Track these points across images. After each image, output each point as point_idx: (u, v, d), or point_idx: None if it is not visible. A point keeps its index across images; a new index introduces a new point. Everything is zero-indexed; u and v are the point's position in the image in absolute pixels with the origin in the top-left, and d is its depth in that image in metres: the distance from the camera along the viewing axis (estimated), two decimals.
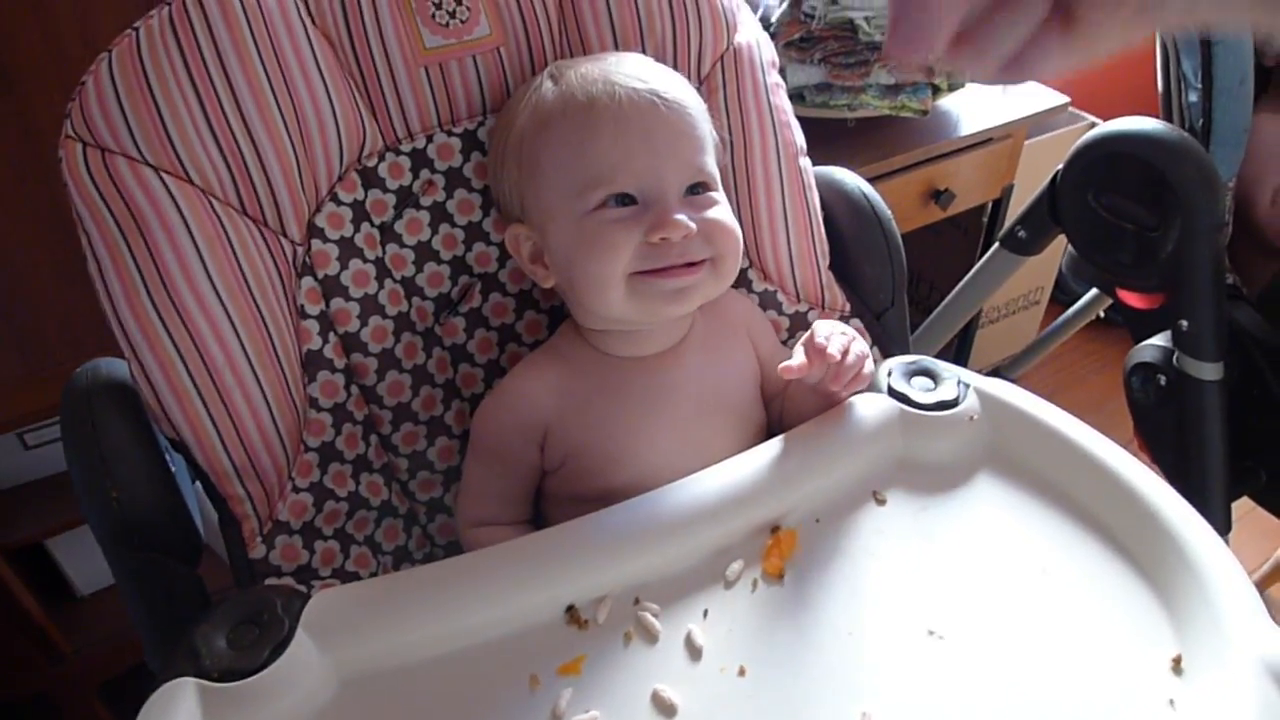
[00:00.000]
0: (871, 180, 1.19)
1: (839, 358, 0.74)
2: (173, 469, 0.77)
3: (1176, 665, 0.61)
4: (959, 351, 1.99)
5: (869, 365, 0.78)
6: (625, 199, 0.75)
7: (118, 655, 1.47)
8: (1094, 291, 1.45)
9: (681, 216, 0.74)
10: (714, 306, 0.82)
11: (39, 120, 1.14)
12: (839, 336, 0.76)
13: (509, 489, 0.82)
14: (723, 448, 0.78)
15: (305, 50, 0.77)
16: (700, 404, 0.82)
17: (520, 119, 0.79)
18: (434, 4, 0.82)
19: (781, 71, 0.95)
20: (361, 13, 0.80)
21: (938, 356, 0.85)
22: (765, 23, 1.51)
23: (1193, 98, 1.11)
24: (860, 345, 0.77)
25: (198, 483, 0.79)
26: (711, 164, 0.79)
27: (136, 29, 0.73)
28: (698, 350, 0.84)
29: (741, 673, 0.62)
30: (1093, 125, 1.88)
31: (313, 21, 0.78)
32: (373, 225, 0.83)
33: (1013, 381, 0.80)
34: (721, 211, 0.78)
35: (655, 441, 0.79)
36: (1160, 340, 1.13)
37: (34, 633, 1.41)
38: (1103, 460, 0.72)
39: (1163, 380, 1.12)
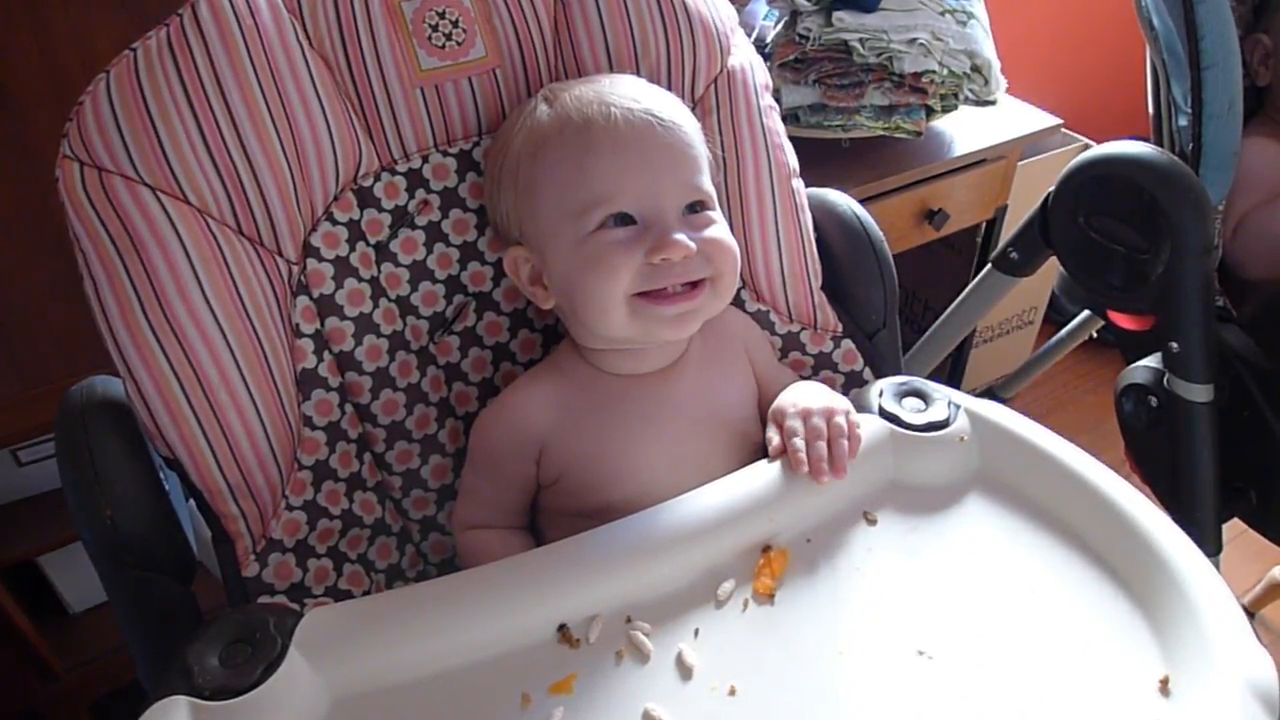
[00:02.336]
0: (866, 200, 1.20)
1: (808, 466, 0.74)
2: (166, 487, 0.78)
3: (1164, 686, 0.61)
4: (952, 371, 1.99)
5: (860, 429, 0.77)
6: (624, 219, 0.75)
7: (109, 673, 1.47)
8: (1087, 312, 1.46)
9: (681, 236, 0.74)
10: (712, 323, 0.83)
11: (36, 139, 1.14)
12: (816, 423, 0.76)
13: (504, 499, 0.83)
14: (719, 464, 0.78)
15: (302, 72, 0.78)
16: (697, 421, 0.82)
17: (516, 142, 0.80)
18: (430, 26, 0.83)
19: (776, 92, 0.96)
20: (358, 35, 0.80)
21: (931, 376, 0.85)
22: (760, 44, 1.52)
23: (1182, 122, 1.12)
24: (841, 417, 0.76)
25: (191, 501, 0.80)
26: (708, 182, 0.80)
27: (134, 50, 0.74)
28: (695, 367, 0.84)
29: (732, 692, 0.62)
30: (1085, 147, 1.89)
31: (310, 43, 0.79)
32: (368, 245, 0.84)
33: (1006, 401, 0.81)
34: (720, 230, 0.79)
35: (651, 458, 0.80)
36: (1151, 362, 1.13)
37: (25, 650, 1.40)
38: (1092, 482, 0.72)
39: (1154, 401, 1.12)
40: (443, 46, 0.84)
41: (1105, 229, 1.09)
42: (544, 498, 0.84)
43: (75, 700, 1.47)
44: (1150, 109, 1.20)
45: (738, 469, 0.76)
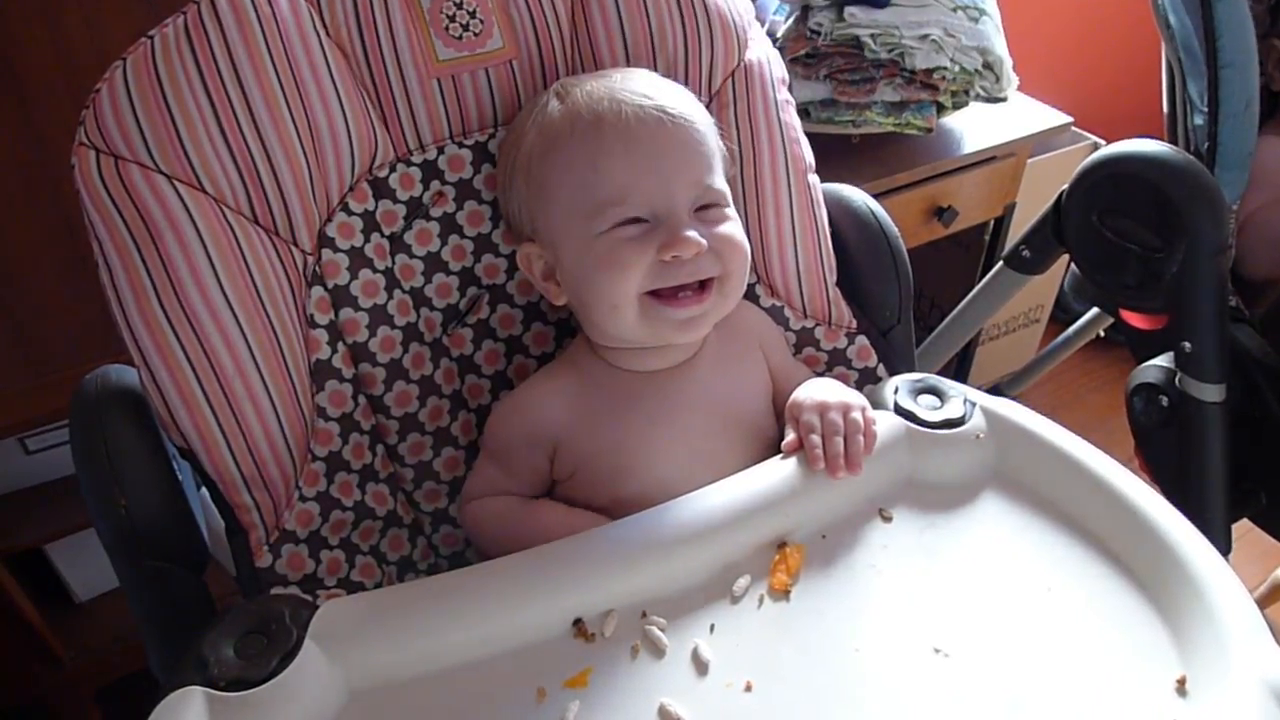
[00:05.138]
0: (875, 196, 1.19)
1: (824, 461, 0.74)
2: (179, 477, 0.78)
3: (1181, 686, 0.61)
4: (960, 368, 1.99)
5: (875, 425, 0.77)
6: (636, 218, 0.75)
7: (115, 661, 1.47)
8: (1094, 310, 1.46)
9: (693, 234, 0.74)
10: (727, 319, 0.83)
11: (47, 126, 1.14)
12: (833, 418, 0.76)
13: (515, 488, 0.83)
14: (734, 460, 0.78)
15: (319, 61, 0.78)
16: (712, 417, 0.82)
17: (528, 139, 0.80)
18: (447, 16, 0.83)
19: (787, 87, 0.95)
20: (376, 25, 0.80)
21: (938, 373, 0.85)
22: (771, 38, 1.51)
23: (1199, 121, 1.12)
24: (857, 413, 0.77)
25: (203, 491, 0.79)
26: (720, 179, 0.80)
27: (151, 37, 0.73)
28: (710, 364, 0.84)
29: (748, 688, 0.62)
30: (1095, 145, 1.89)
31: (327, 33, 0.79)
32: (383, 235, 0.84)
33: (1012, 399, 0.81)
34: (732, 227, 0.79)
35: (666, 454, 0.80)
36: (1163, 361, 1.13)
37: (32, 638, 1.40)
38: (1108, 480, 0.72)
39: (1165, 401, 1.12)
40: (460, 37, 0.83)
41: (1119, 227, 1.09)
42: (558, 492, 0.84)
43: (80, 688, 1.47)
44: (1165, 107, 1.20)
45: (751, 465, 0.76)
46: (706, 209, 0.78)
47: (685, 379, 0.83)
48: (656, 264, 0.75)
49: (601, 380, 0.82)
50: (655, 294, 0.77)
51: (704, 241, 0.75)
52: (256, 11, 0.75)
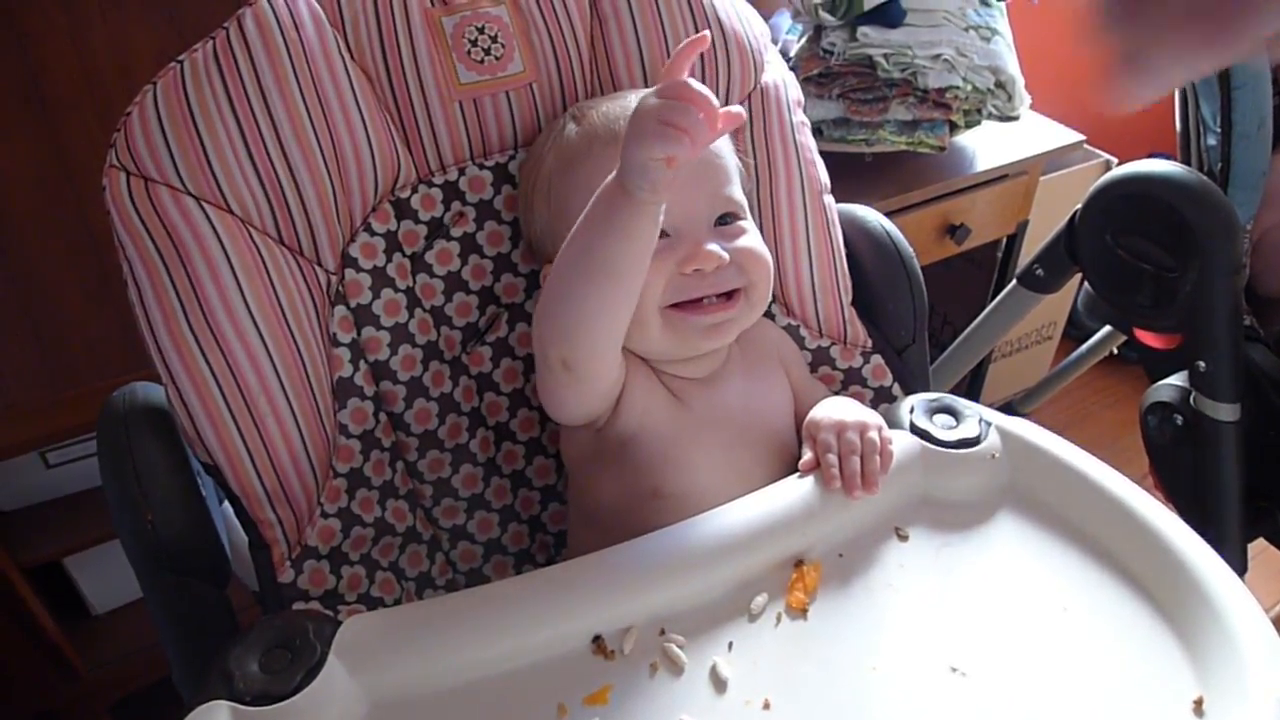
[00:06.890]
0: (888, 215, 1.20)
1: (840, 481, 0.74)
2: (203, 493, 0.79)
3: (1198, 707, 0.61)
4: (972, 386, 1.99)
5: (892, 445, 0.77)
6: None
7: (130, 674, 1.48)
8: (1107, 328, 1.46)
9: (714, 247, 0.75)
10: (748, 335, 0.84)
11: (72, 145, 1.16)
12: (850, 437, 0.76)
13: None
14: (761, 474, 0.79)
15: (344, 85, 0.79)
16: (741, 430, 0.83)
17: (546, 161, 0.81)
18: (470, 41, 0.84)
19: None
20: (399, 49, 0.82)
21: (951, 390, 0.85)
22: (784, 58, 1.52)
23: (1211, 141, 1.12)
24: (874, 432, 0.76)
25: (225, 506, 0.80)
26: (739, 193, 0.81)
27: (181, 62, 0.75)
28: (738, 378, 0.85)
29: (766, 706, 0.63)
30: (1107, 163, 1.90)
31: (352, 57, 0.80)
32: (404, 255, 0.85)
33: (1025, 416, 0.81)
34: (752, 239, 0.79)
35: (706, 458, 0.80)
36: (1177, 380, 1.13)
37: (49, 649, 1.41)
38: (1124, 500, 0.72)
39: (1179, 420, 1.12)
40: (481, 61, 0.84)
41: (1133, 247, 1.09)
42: (604, 477, 0.82)
43: (96, 700, 1.48)
44: (1178, 127, 1.20)
45: (776, 479, 0.77)
46: (726, 222, 0.79)
47: (716, 390, 0.83)
48: (678, 277, 0.76)
49: (653, 374, 0.83)
50: (677, 305, 0.77)
51: (725, 255, 0.76)
52: (283, 36, 0.76)
